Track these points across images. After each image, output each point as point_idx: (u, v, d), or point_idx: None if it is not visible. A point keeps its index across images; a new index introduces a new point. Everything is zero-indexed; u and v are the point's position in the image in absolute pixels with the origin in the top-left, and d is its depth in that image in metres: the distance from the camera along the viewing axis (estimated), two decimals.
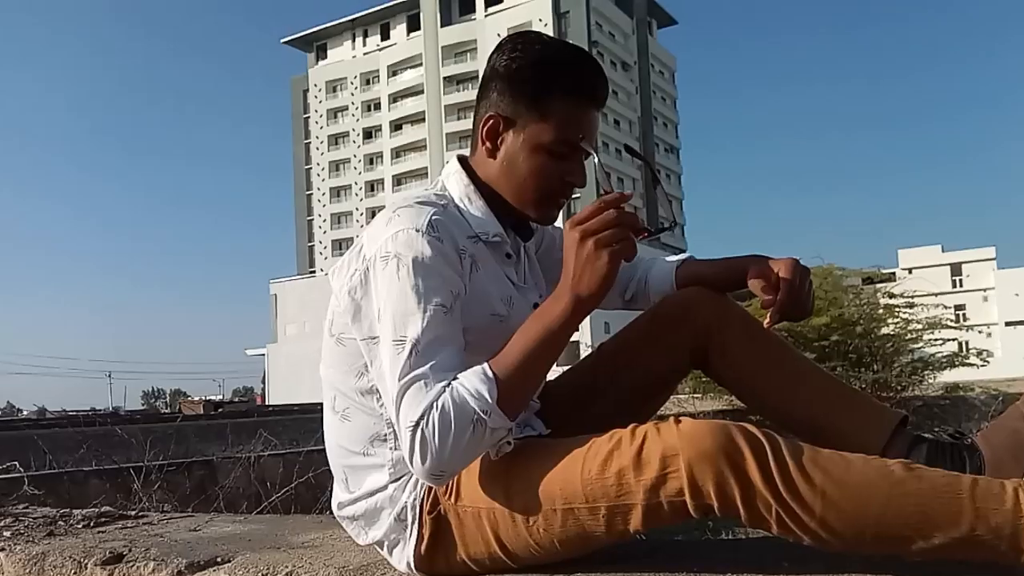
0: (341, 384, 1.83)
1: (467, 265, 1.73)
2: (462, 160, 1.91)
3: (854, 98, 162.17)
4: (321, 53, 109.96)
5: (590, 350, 2.14)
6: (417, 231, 1.66)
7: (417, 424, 1.55)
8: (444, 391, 1.57)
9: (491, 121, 1.81)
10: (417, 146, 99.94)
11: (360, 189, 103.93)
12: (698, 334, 1.97)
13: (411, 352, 1.59)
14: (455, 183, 1.87)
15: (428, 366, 1.58)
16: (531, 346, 1.61)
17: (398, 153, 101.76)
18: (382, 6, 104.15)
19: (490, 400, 1.56)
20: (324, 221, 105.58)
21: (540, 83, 1.78)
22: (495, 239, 1.83)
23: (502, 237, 1.85)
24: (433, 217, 1.70)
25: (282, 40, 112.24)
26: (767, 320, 1.90)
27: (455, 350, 1.63)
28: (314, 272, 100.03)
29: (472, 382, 1.57)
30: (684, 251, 2.34)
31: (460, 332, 1.65)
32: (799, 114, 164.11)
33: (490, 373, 1.58)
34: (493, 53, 1.84)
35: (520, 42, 1.83)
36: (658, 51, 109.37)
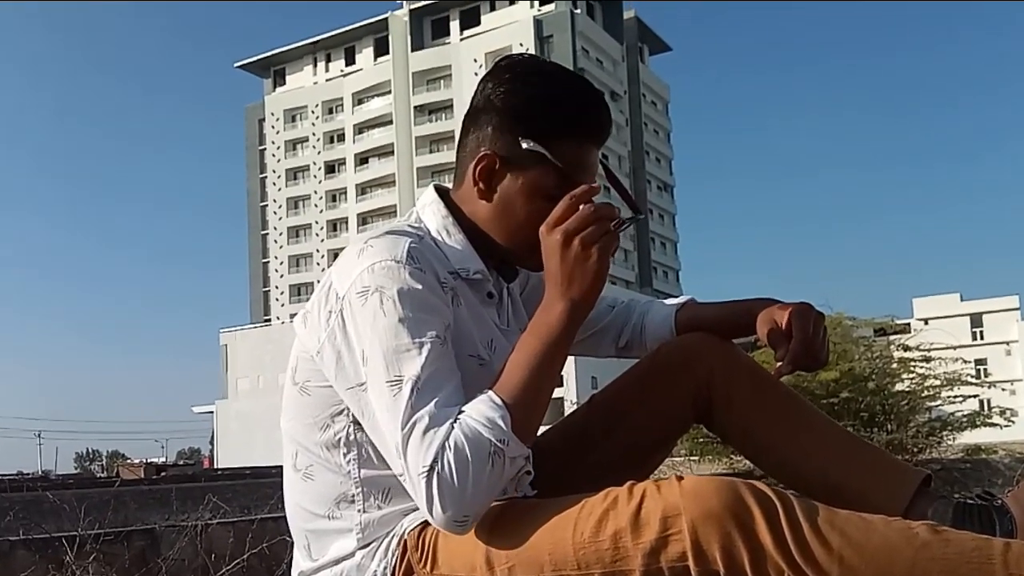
0: (304, 439, 1.82)
1: (449, 299, 1.74)
2: (440, 191, 1.92)
3: (866, 132, 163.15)
4: (279, 79, 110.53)
5: (575, 408, 2.14)
6: (396, 261, 1.67)
7: (431, 469, 1.55)
8: (454, 427, 1.57)
9: (485, 160, 1.81)
10: (385, 181, 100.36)
11: (321, 229, 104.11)
12: (700, 384, 1.97)
13: (412, 391, 1.59)
14: (431, 214, 1.88)
15: (432, 404, 1.59)
16: (534, 363, 1.63)
17: (364, 189, 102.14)
18: (346, 27, 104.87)
19: (505, 427, 1.57)
20: (281, 264, 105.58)
21: (544, 123, 1.78)
22: (476, 276, 1.84)
23: (484, 275, 1.85)
24: (411, 246, 1.71)
25: (236, 64, 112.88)
26: (776, 370, 1.91)
27: (457, 385, 1.64)
28: (269, 320, 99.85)
29: (481, 411, 1.58)
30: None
31: (456, 366, 1.66)
32: (805, 149, 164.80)
33: (498, 400, 1.60)
34: (488, 80, 1.84)
35: (520, 71, 1.84)
36: (650, 79, 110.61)
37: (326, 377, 1.75)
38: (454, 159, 1.92)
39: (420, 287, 1.66)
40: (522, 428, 1.60)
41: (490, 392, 1.62)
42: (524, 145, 1.78)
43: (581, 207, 1.64)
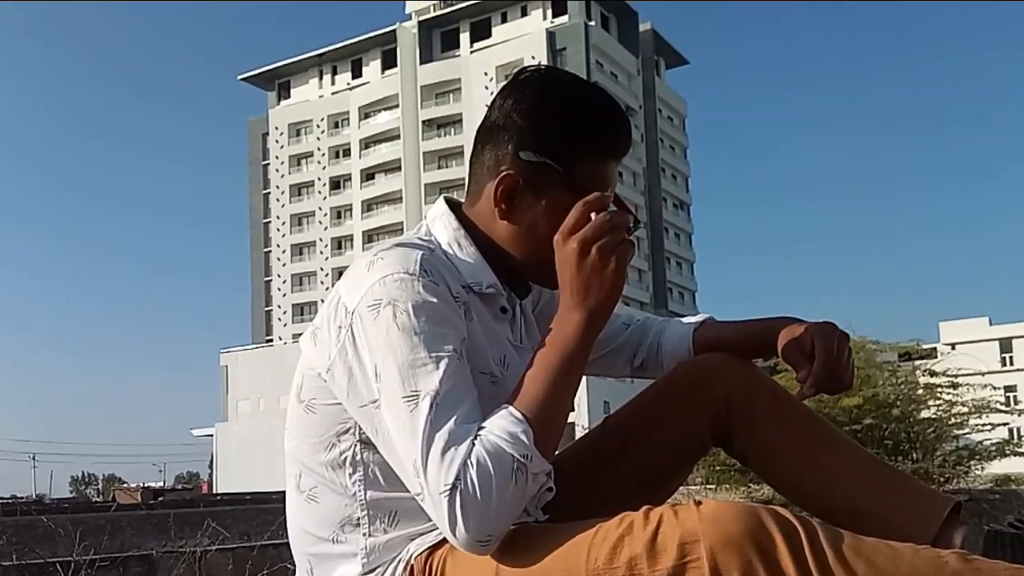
0: (308, 459, 1.82)
1: (462, 313, 1.74)
2: (451, 203, 1.92)
3: (893, 150, 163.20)
4: (283, 92, 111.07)
5: (588, 431, 2.14)
6: (409, 273, 1.67)
7: (454, 487, 1.54)
8: (475, 444, 1.57)
9: (508, 181, 1.81)
10: (391, 198, 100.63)
11: (326, 247, 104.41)
12: (719, 406, 1.96)
13: (431, 407, 1.59)
14: (442, 227, 1.88)
15: (453, 420, 1.59)
16: (552, 376, 1.64)
17: (370, 206, 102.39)
18: (353, 39, 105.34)
19: (527, 442, 1.58)
20: (284, 283, 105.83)
21: (569, 142, 1.80)
22: (489, 290, 1.84)
23: (497, 289, 1.85)
24: (423, 258, 1.71)
25: (239, 76, 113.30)
26: (799, 392, 1.90)
27: (475, 401, 1.64)
28: (271, 341, 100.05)
29: (502, 426, 1.59)
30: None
31: (472, 382, 1.67)
32: (829, 166, 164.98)
33: (518, 414, 1.60)
34: (507, 95, 1.84)
35: (541, 87, 1.85)
36: (666, 94, 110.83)
37: (335, 395, 1.74)
38: (464, 175, 1.93)
39: (435, 300, 1.66)
40: (543, 443, 1.61)
41: (509, 407, 1.62)
42: (548, 165, 1.79)
43: (593, 215, 1.66)
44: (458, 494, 1.54)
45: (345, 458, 1.77)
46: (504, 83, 1.89)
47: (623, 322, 2.21)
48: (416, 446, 1.58)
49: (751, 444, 1.97)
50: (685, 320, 2.19)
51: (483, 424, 1.60)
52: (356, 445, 1.76)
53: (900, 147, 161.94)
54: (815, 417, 1.98)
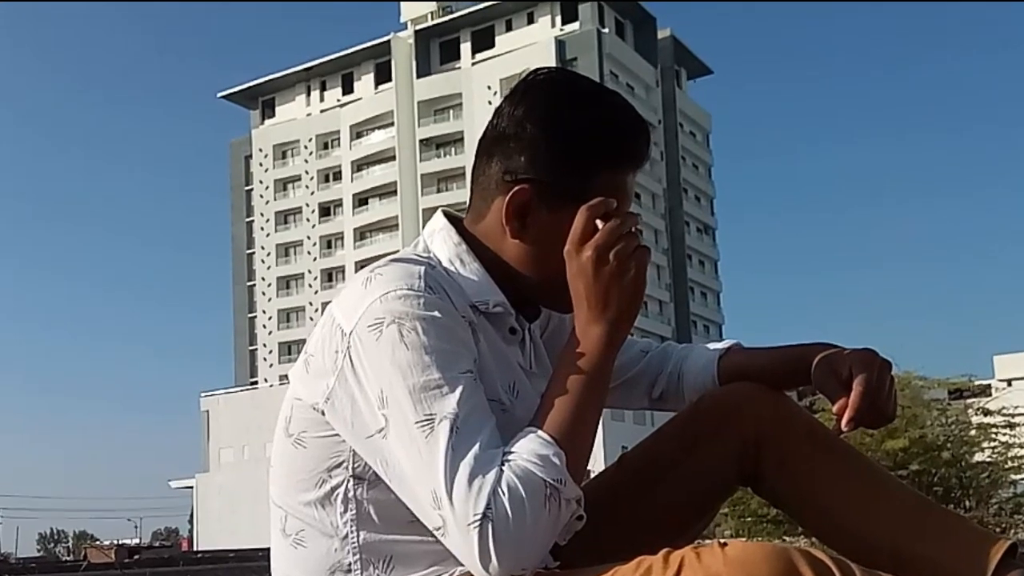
0: (295, 498, 1.82)
1: (469, 334, 1.74)
2: (451, 217, 1.93)
3: (939, 162, 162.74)
4: (267, 110, 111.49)
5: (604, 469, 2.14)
6: (412, 289, 1.67)
7: (484, 516, 1.54)
8: (504, 469, 1.57)
9: (521, 195, 1.81)
10: (386, 225, 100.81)
11: (315, 279, 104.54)
12: (747, 441, 1.95)
13: (450, 432, 1.58)
14: (441, 242, 1.88)
15: (477, 446, 1.59)
16: (576, 395, 1.66)
17: (363, 234, 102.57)
18: (343, 52, 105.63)
19: (559, 464, 1.59)
20: (270, 319, 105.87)
21: (591, 153, 1.81)
22: (497, 309, 1.84)
23: (505, 307, 1.85)
24: (426, 272, 1.71)
25: (219, 94, 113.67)
26: (836, 425, 1.89)
27: (495, 426, 1.64)
28: (256, 383, 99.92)
29: (531, 449, 1.60)
30: None
31: (488, 406, 1.67)
32: (869, 183, 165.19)
33: (546, 436, 1.61)
34: (518, 101, 1.85)
35: (557, 92, 1.85)
36: (688, 107, 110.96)
37: (331, 427, 1.74)
38: (467, 199, 1.92)
39: (444, 316, 1.67)
40: (573, 467, 1.62)
41: (536, 429, 1.63)
42: (566, 178, 1.79)
43: (599, 222, 1.69)
44: (490, 524, 1.54)
45: (336, 495, 1.76)
46: (513, 87, 1.89)
47: (640, 349, 2.21)
48: (435, 475, 1.57)
49: (783, 483, 1.96)
50: (710, 346, 2.18)
51: (509, 448, 1.61)
52: (349, 480, 1.76)
53: (957, 153, 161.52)
54: (855, 453, 1.98)
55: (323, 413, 1.74)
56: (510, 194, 1.81)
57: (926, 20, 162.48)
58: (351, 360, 1.68)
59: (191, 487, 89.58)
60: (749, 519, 10.57)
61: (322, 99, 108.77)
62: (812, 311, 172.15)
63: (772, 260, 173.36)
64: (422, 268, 1.72)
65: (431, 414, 1.60)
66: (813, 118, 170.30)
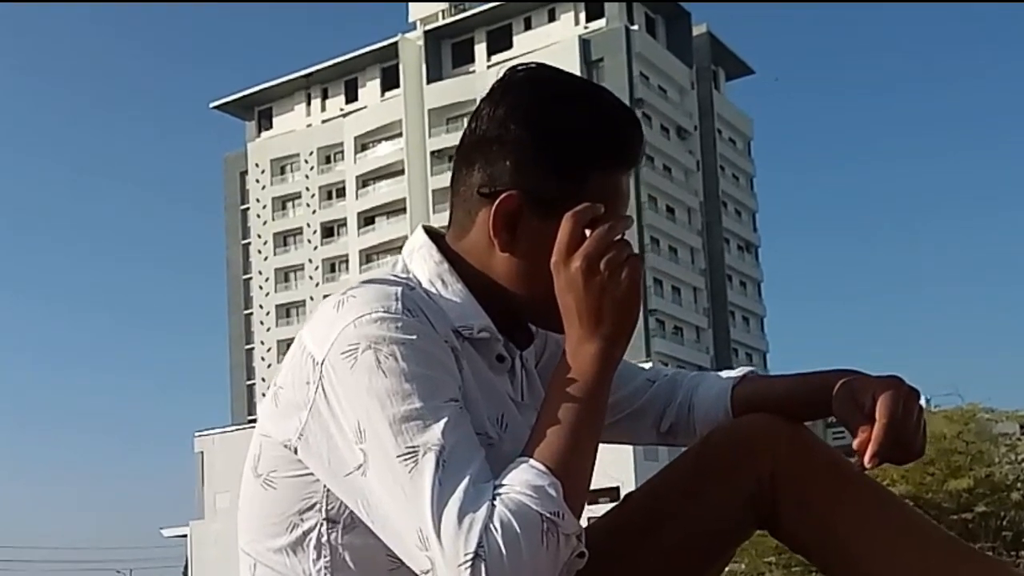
0: (263, 544, 1.83)
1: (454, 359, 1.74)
2: (432, 233, 1.93)
3: (1004, 169, 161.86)
4: (264, 121, 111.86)
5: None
6: (388, 312, 1.68)
7: (476, 556, 1.54)
8: (496, 503, 1.58)
9: (508, 204, 1.81)
10: (394, 246, 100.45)
11: None
12: (763, 479, 1.94)
13: (436, 465, 1.59)
14: (421, 261, 1.89)
15: (466, 479, 1.59)
16: (571, 421, 1.67)
17: (369, 256, 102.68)
18: (346, 56, 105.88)
19: (556, 495, 1.60)
20: (268, 351, 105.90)
21: (584, 154, 1.82)
22: (482, 335, 1.84)
23: (491, 333, 1.86)
24: (403, 294, 1.72)
25: (211, 104, 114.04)
26: (858, 461, 1.88)
27: (484, 458, 1.65)
28: (254, 421, 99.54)
29: (524, 480, 1.60)
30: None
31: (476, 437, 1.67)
32: (928, 193, 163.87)
33: (540, 466, 1.62)
34: (499, 100, 1.86)
35: (542, 89, 1.86)
36: (727, 111, 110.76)
37: (304, 467, 1.75)
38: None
39: (424, 340, 1.67)
40: (572, 499, 1.62)
41: (529, 459, 1.63)
42: (558, 182, 1.80)
43: (586, 230, 1.69)
44: (483, 564, 1.54)
45: (309, 540, 1.77)
46: (491, 87, 1.90)
47: (647, 378, 2.21)
48: (421, 512, 1.57)
49: (803, 525, 1.94)
50: (723, 374, 2.18)
51: (500, 480, 1.61)
52: (322, 524, 1.77)
53: None
54: (883, 491, 1.98)
55: (296, 451, 1.74)
56: (496, 203, 1.81)
57: (994, 29, 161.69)
58: (324, 391, 1.69)
59: (185, 535, 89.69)
60: (769, 560, 10.55)
61: (323, 108, 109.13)
62: (867, 338, 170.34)
63: (822, 281, 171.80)
64: (399, 289, 1.73)
65: (414, 446, 1.60)
66: (870, 124, 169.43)
